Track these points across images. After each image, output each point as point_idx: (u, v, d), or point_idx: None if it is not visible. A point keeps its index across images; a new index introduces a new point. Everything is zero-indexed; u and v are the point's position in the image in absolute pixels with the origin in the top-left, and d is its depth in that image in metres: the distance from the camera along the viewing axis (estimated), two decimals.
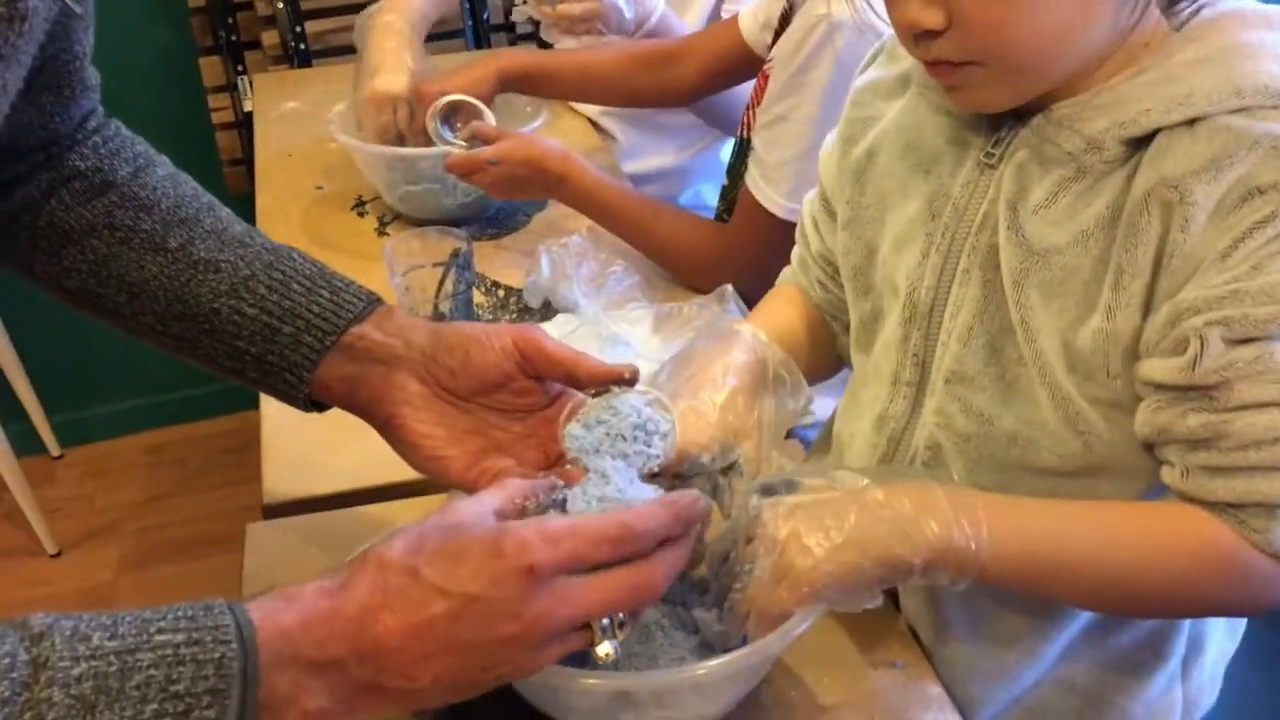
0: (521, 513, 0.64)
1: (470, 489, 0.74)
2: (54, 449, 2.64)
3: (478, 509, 0.62)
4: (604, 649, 0.61)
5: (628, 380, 0.76)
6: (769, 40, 1.35)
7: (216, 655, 0.53)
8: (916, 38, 0.70)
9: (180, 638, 0.53)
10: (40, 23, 0.60)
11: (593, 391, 0.77)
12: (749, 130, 1.30)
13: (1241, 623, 0.91)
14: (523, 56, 1.57)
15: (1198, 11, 0.70)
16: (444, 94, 1.41)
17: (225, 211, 0.87)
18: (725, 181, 1.41)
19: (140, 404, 2.70)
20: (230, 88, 2.28)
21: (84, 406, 2.67)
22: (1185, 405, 0.68)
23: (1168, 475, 0.71)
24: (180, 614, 0.54)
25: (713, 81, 1.49)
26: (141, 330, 0.84)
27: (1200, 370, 0.66)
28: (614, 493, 0.68)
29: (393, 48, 1.47)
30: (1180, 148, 0.67)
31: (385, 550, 0.59)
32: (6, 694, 0.49)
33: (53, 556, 2.39)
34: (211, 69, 2.29)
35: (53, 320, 2.47)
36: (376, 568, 0.58)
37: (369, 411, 0.81)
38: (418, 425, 0.78)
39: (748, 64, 1.42)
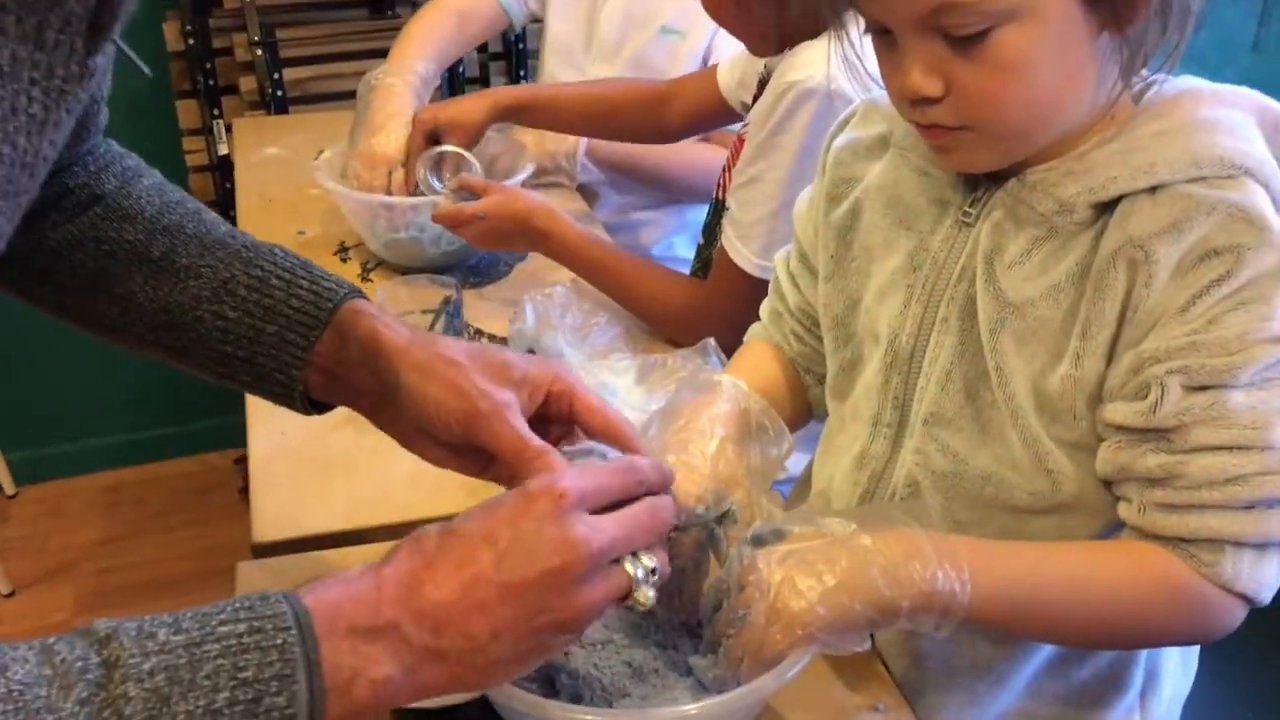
0: None
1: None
2: (9, 487, 2.62)
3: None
4: (644, 593, 0.64)
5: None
6: (744, 98, 1.42)
7: (279, 642, 0.54)
8: (914, 103, 0.76)
9: (242, 627, 0.54)
10: (100, 75, 0.63)
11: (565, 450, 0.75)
12: (724, 192, 1.36)
13: (1194, 663, 0.97)
14: (519, 89, 1.66)
15: (1150, 87, 0.77)
16: (436, 120, 1.47)
17: (210, 215, 0.86)
18: (701, 240, 1.46)
19: (99, 443, 2.69)
20: (206, 131, 2.32)
21: (41, 444, 2.65)
22: (1145, 446, 0.74)
23: (1124, 511, 0.76)
24: (239, 605, 0.56)
25: (696, 124, 1.56)
26: (136, 343, 0.83)
27: (1160, 414, 0.72)
28: None
29: (392, 110, 1.53)
30: (1144, 212, 0.73)
31: (420, 531, 0.62)
32: (84, 694, 0.51)
33: (6, 596, 2.36)
34: (188, 112, 2.32)
35: (9, 356, 2.46)
36: (413, 542, 0.61)
37: (367, 378, 0.78)
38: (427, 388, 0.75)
39: (724, 113, 1.49)
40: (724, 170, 1.39)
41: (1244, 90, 0.79)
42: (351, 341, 0.78)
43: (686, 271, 1.47)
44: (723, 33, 1.63)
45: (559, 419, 0.77)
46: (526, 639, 0.60)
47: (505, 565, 0.59)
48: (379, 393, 0.77)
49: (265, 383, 0.80)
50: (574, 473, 0.64)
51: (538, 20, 1.93)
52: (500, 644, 0.59)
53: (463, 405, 0.73)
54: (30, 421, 2.60)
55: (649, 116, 1.57)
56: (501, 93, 1.60)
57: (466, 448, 0.75)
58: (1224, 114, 0.76)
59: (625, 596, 0.64)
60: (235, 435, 2.63)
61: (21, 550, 2.47)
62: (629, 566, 0.64)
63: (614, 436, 0.75)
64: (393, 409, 0.77)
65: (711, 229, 1.41)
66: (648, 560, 0.65)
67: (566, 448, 0.75)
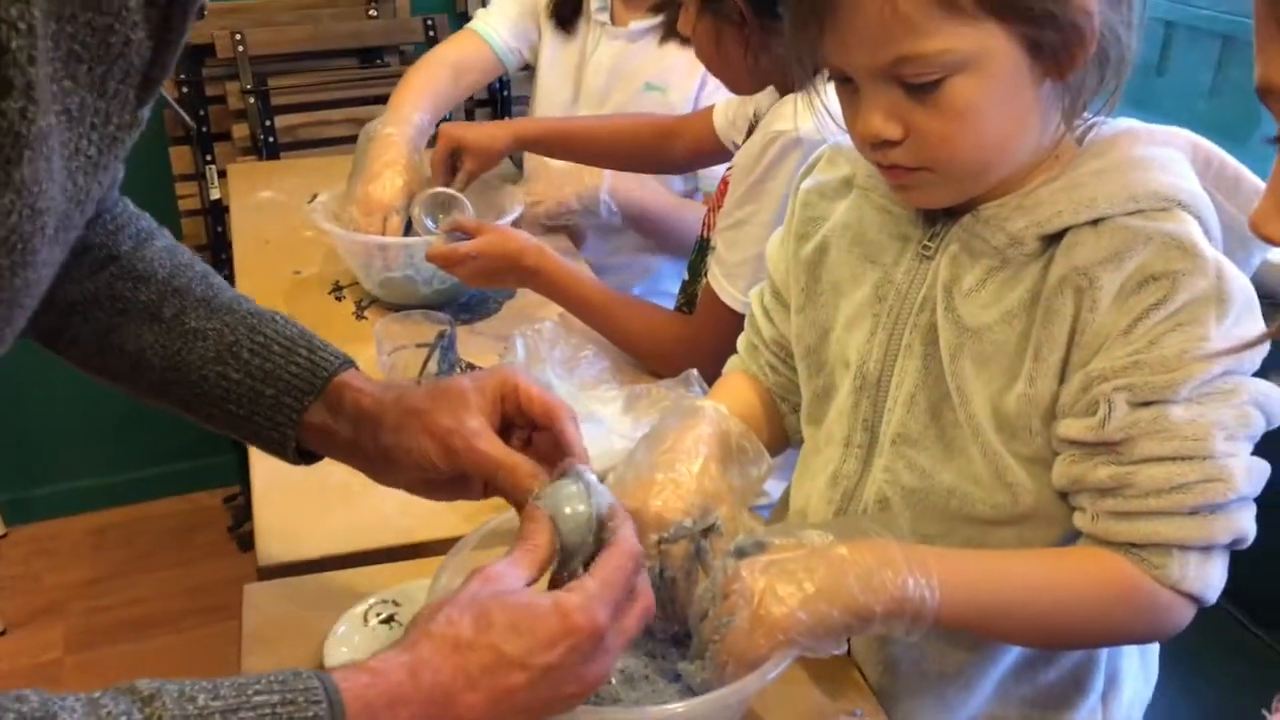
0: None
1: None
2: None
3: (515, 576, 0.68)
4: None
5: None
6: (735, 138, 1.50)
7: (310, 715, 0.57)
8: (875, 146, 0.82)
9: (275, 698, 0.57)
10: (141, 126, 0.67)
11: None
12: (710, 231, 1.43)
13: (1154, 668, 1.02)
14: (539, 121, 1.76)
15: (1092, 128, 0.84)
16: (463, 139, 1.57)
17: (217, 279, 0.91)
18: (686, 276, 1.53)
19: (87, 484, 2.71)
20: (199, 176, 2.38)
21: (30, 485, 2.67)
22: (1095, 459, 0.80)
23: (1079, 520, 0.82)
24: (273, 678, 0.59)
25: (697, 159, 1.66)
26: (146, 395, 0.88)
27: (1108, 429, 0.78)
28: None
29: (389, 159, 1.59)
30: (1087, 243, 0.80)
31: (453, 629, 0.63)
32: None
33: None
34: (181, 158, 2.38)
35: None
36: (452, 649, 0.62)
37: (358, 446, 0.85)
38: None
39: (720, 150, 1.57)
40: (709, 211, 1.46)
41: (1176, 130, 0.86)
42: (341, 414, 0.85)
43: (671, 304, 1.54)
44: (708, 87, 1.74)
45: (518, 413, 0.83)
46: None
47: (536, 691, 0.64)
48: (374, 455, 0.84)
49: (260, 438, 0.86)
50: (599, 594, 0.66)
51: (529, 68, 2.02)
52: None
53: (438, 447, 0.80)
54: (19, 463, 2.62)
55: (656, 150, 1.67)
56: (523, 123, 1.72)
57: (462, 480, 0.82)
58: (1158, 152, 0.83)
59: None
60: (222, 474, 2.69)
61: (12, 590, 2.49)
62: None
63: (551, 418, 0.82)
64: (388, 465, 0.84)
65: (696, 267, 1.48)
66: None
67: (554, 476, 0.79)
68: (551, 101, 1.97)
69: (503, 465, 0.78)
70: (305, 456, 0.88)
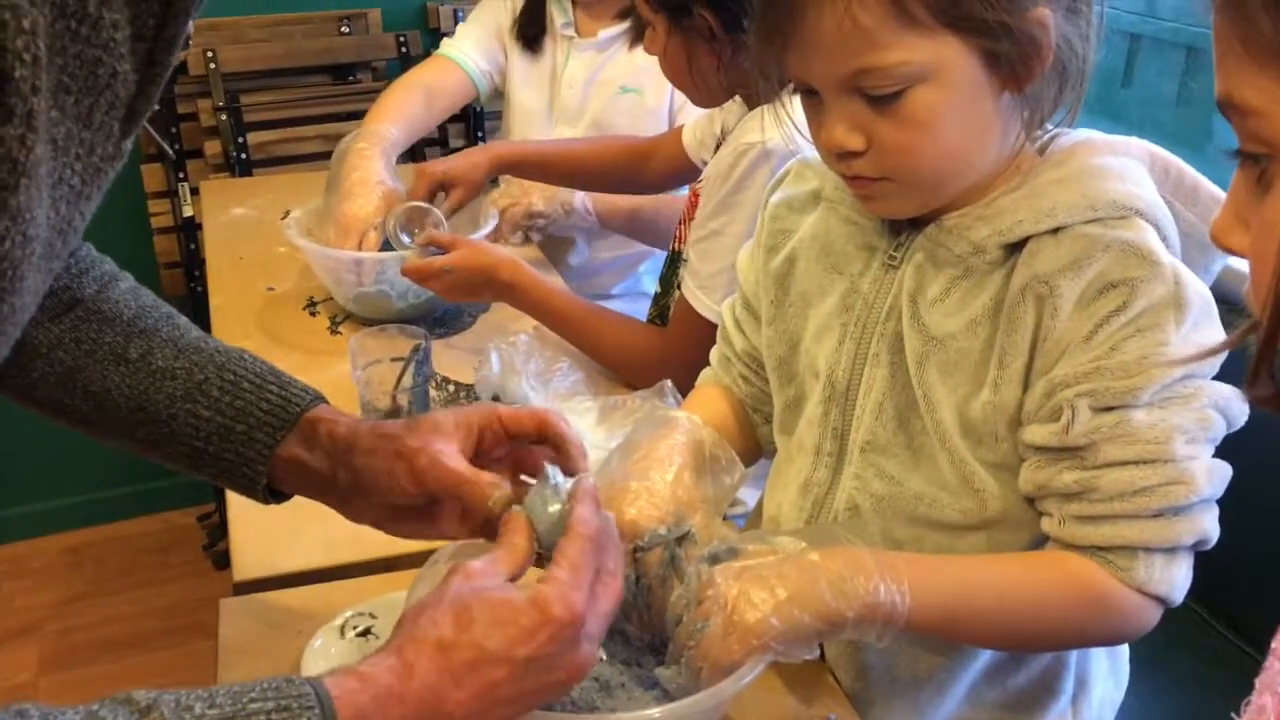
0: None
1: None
2: None
3: (494, 574, 0.69)
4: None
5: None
6: (704, 156, 1.52)
7: None
8: (839, 156, 0.84)
9: (270, 705, 0.59)
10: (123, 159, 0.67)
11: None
12: (681, 243, 1.44)
13: (1125, 671, 1.03)
14: (516, 145, 1.77)
15: (1053, 139, 0.86)
16: (447, 174, 1.57)
17: (183, 320, 0.91)
18: (658, 289, 1.54)
19: (59, 504, 2.69)
20: (171, 194, 2.37)
21: (1, 506, 2.65)
22: (1060, 464, 0.81)
23: (1046, 524, 0.84)
24: (266, 685, 0.60)
25: (671, 178, 1.68)
26: (107, 435, 0.88)
27: (1072, 434, 0.80)
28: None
29: (361, 176, 1.60)
30: (1048, 251, 0.81)
31: (435, 629, 0.65)
32: None
33: None
34: (153, 175, 2.37)
35: None
36: (436, 649, 0.64)
37: (331, 478, 0.85)
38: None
39: (692, 169, 1.59)
40: (680, 224, 1.47)
41: (1134, 139, 0.88)
42: (316, 445, 0.85)
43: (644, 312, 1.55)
44: None
45: (501, 442, 0.84)
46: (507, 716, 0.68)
47: (522, 683, 0.65)
48: (347, 485, 0.84)
49: (230, 475, 0.86)
50: (574, 581, 0.68)
51: (500, 93, 2.03)
52: None
53: (405, 466, 0.81)
54: None
55: (631, 171, 1.69)
56: (500, 147, 1.72)
57: (430, 511, 0.83)
58: (1115, 161, 0.84)
59: None
60: (197, 493, 2.68)
61: None
62: None
63: (544, 426, 0.83)
64: (359, 496, 0.84)
65: (669, 279, 1.49)
66: None
67: (527, 480, 0.81)
68: (528, 120, 1.98)
69: (466, 479, 0.79)
70: (274, 496, 0.89)
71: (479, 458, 0.83)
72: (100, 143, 0.60)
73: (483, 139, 2.52)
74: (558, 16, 1.91)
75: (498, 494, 0.78)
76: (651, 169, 1.68)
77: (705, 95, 1.38)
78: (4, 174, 0.50)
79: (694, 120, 1.59)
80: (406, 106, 1.81)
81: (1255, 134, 0.50)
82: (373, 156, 1.62)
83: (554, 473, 0.77)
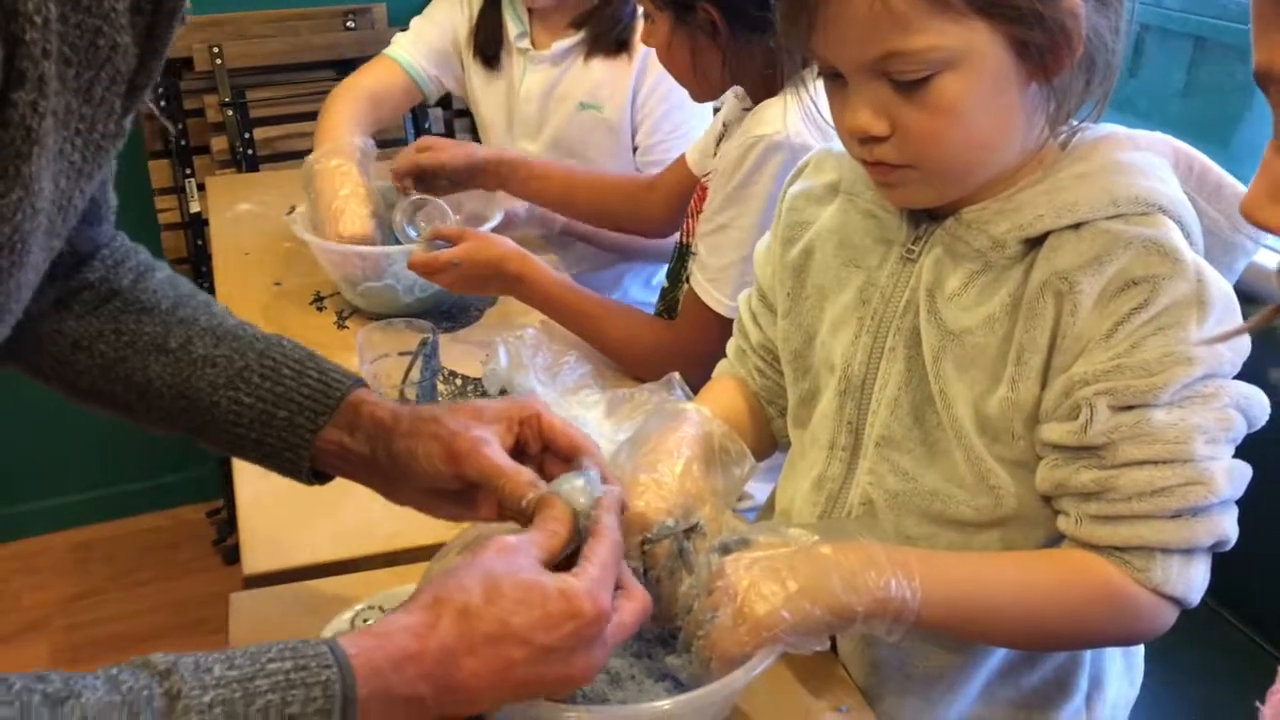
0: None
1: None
2: None
3: (529, 554, 0.69)
4: None
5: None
6: (709, 165, 1.49)
7: (322, 678, 0.59)
8: (862, 141, 0.83)
9: (289, 664, 0.59)
10: (123, 139, 0.66)
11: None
12: (690, 236, 1.43)
13: (1139, 669, 1.03)
14: (519, 156, 1.71)
15: (1075, 134, 0.84)
16: (447, 158, 1.54)
17: (220, 307, 0.92)
18: (665, 283, 1.53)
19: (68, 500, 2.69)
20: (178, 190, 2.36)
21: (10, 503, 2.65)
22: (1078, 463, 0.80)
23: (1063, 523, 0.83)
24: (284, 646, 0.61)
25: (677, 213, 1.60)
26: (152, 423, 0.89)
27: (1090, 433, 0.79)
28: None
29: (349, 193, 1.57)
30: (1069, 247, 0.80)
31: (463, 595, 0.65)
32: None
33: None
34: (160, 171, 2.36)
35: None
36: (460, 615, 0.64)
37: (373, 460, 0.85)
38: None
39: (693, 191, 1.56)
40: (688, 216, 1.46)
41: (1158, 135, 0.87)
42: (358, 429, 0.85)
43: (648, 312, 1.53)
44: (640, 96, 1.74)
45: (535, 442, 0.84)
46: (513, 700, 0.69)
47: (536, 668, 0.65)
48: (388, 467, 0.84)
49: (272, 459, 0.87)
50: (602, 579, 0.68)
51: (448, 96, 2.02)
52: (494, 706, 0.68)
53: (443, 449, 0.80)
54: (0, 480, 2.60)
55: (633, 205, 1.65)
56: (506, 152, 1.69)
57: (469, 495, 0.82)
58: (1139, 157, 0.83)
59: None
60: (206, 488, 2.68)
61: None
62: None
63: (577, 455, 0.82)
64: (400, 479, 0.84)
65: (676, 272, 1.48)
66: None
67: (564, 474, 0.80)
68: (488, 134, 1.97)
69: (503, 472, 0.78)
70: (318, 477, 0.89)
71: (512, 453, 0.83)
72: (102, 119, 0.59)
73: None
74: (513, 27, 1.88)
75: (533, 495, 0.77)
76: (653, 204, 1.63)
77: (706, 90, 1.37)
78: (18, 141, 0.49)
79: (694, 143, 1.56)
80: (357, 115, 1.78)
81: None
82: (350, 171, 1.60)
83: (590, 467, 0.78)
